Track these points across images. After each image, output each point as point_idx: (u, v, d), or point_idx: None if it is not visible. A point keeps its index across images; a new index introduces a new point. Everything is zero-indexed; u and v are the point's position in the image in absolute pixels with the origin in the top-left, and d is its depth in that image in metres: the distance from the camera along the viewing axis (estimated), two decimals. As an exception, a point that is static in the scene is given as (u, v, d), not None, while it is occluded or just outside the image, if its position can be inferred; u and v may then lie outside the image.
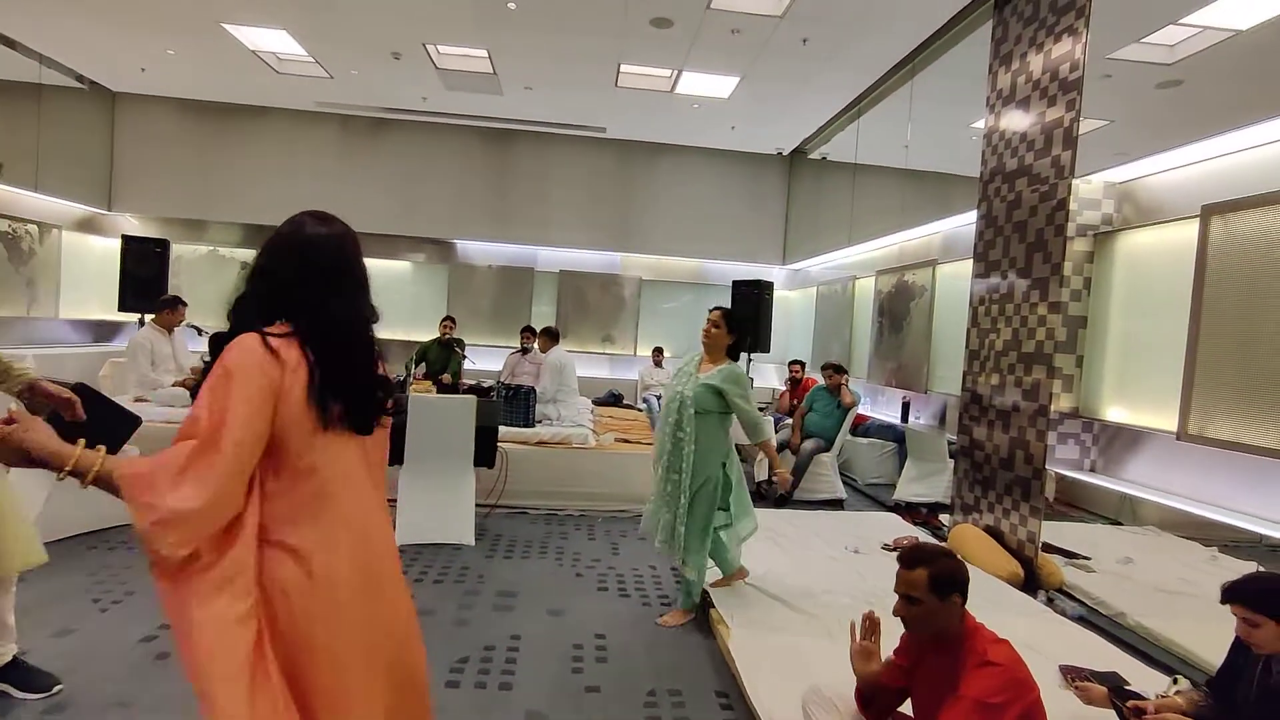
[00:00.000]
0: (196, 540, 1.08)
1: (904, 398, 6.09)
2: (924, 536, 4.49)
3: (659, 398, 8.03)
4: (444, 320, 6.91)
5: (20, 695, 2.22)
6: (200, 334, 5.55)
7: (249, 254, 8.94)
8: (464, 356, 6.84)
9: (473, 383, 5.99)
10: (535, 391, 5.27)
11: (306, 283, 1.26)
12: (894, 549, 4.07)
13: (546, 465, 4.87)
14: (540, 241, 9.19)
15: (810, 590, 3.32)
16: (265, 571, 1.17)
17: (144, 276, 7.07)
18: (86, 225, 8.36)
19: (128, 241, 7.26)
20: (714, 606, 3.09)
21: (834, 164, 8.29)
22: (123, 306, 7.14)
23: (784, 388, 7.07)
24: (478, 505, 4.31)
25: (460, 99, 7.75)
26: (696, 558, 3.06)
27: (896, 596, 1.76)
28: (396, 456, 4.07)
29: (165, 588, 1.12)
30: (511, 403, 5.14)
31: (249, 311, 1.27)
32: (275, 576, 1.17)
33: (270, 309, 1.27)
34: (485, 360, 8.14)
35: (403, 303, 8.84)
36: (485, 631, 2.93)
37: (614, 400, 8.12)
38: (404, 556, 3.74)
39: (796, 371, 6.76)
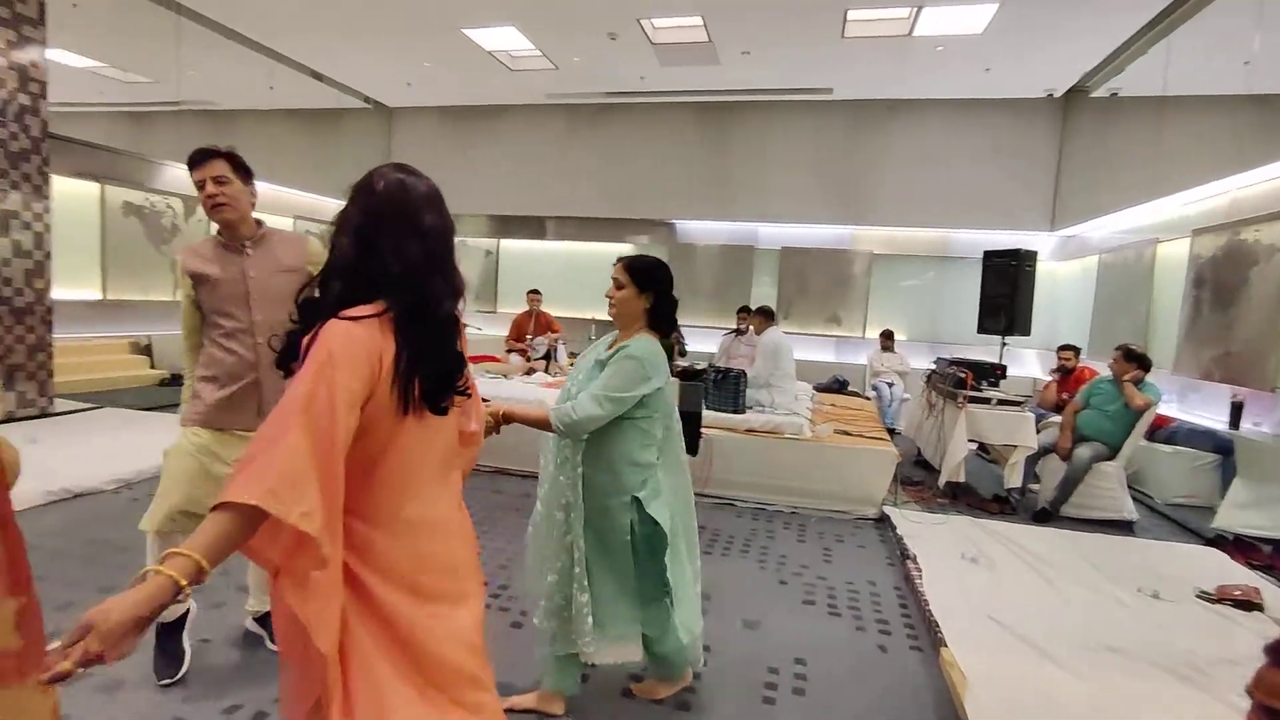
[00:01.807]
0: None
1: (1233, 395, 4.63)
2: (1269, 588, 3.29)
3: (890, 385, 7.18)
4: (658, 301, 6.86)
5: (273, 647, 2.38)
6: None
7: (492, 243, 9.87)
8: (679, 339, 6.74)
9: (686, 364, 5.84)
10: (746, 376, 4.94)
11: (402, 251, 1.12)
12: (1220, 600, 3.02)
13: (755, 455, 4.51)
14: (761, 217, 8.76)
15: (1083, 641, 2.56)
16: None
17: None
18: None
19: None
20: (946, 644, 2.50)
21: (1129, 101, 6.63)
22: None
23: (1050, 378, 5.84)
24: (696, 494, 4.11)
25: (677, 74, 7.61)
26: (619, 626, 1.95)
27: (1247, 699, 1.14)
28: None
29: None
30: (720, 387, 4.87)
31: (338, 288, 1.12)
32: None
33: (364, 285, 1.11)
34: (706, 342, 7.99)
35: (624, 285, 9.04)
36: (673, 635, 2.70)
37: (839, 387, 7.45)
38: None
39: (1067, 359, 5.52)
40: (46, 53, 5.46)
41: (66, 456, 4.27)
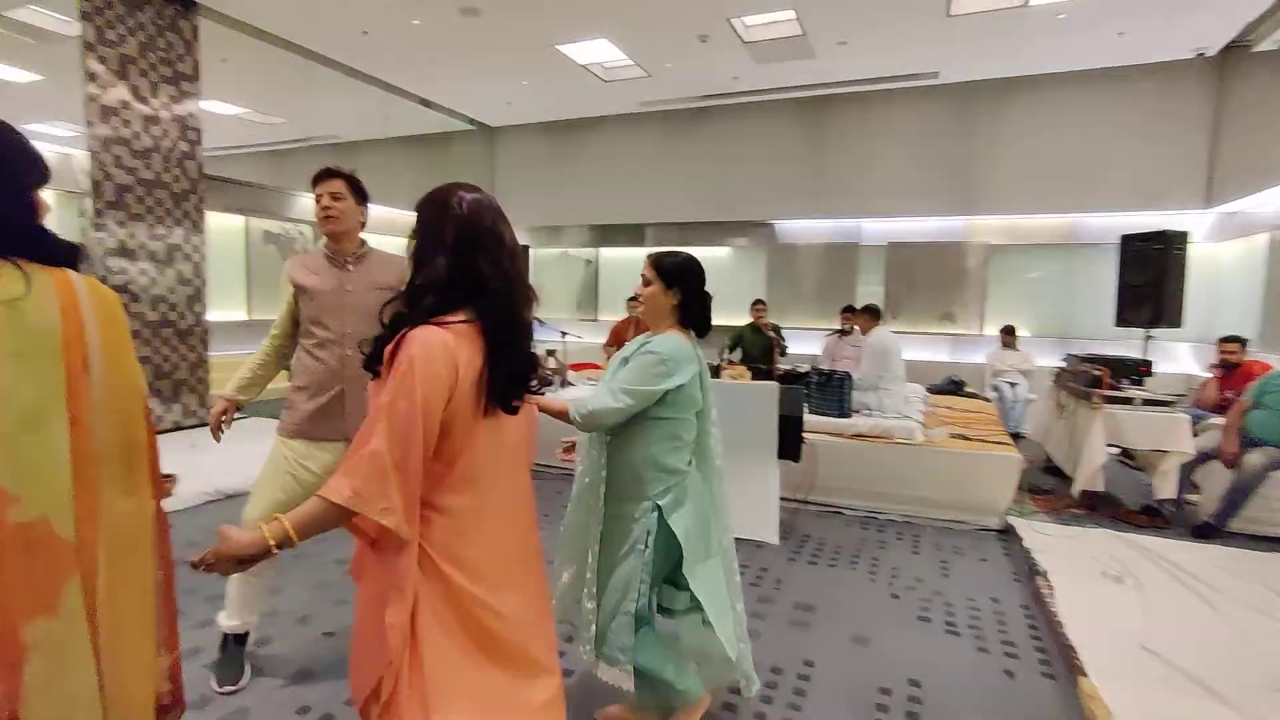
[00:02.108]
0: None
1: None
2: None
3: (1013, 385, 6.64)
4: (755, 304, 6.71)
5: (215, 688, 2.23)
6: (541, 325, 6.30)
7: (591, 252, 10.06)
8: (779, 341, 6.56)
9: (787, 367, 5.67)
10: (850, 378, 4.71)
11: (497, 264, 1.22)
12: None
13: (863, 461, 4.28)
14: (864, 212, 8.37)
15: (1260, 679, 2.21)
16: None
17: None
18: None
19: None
20: (1086, 674, 2.24)
21: (1300, 52, 5.75)
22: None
23: (1210, 375, 5.16)
24: (785, 500, 3.98)
25: (771, 71, 7.43)
26: (615, 647, 1.78)
27: None
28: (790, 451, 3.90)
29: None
30: (824, 390, 4.67)
31: (430, 302, 1.20)
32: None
33: (455, 298, 1.20)
34: (808, 344, 7.72)
35: (722, 288, 8.92)
36: (774, 648, 2.59)
37: (954, 388, 6.96)
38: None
39: (1231, 352, 4.85)
40: (201, 104, 6.13)
41: (219, 461, 4.69)
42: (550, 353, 5.52)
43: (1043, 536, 3.64)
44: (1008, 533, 3.88)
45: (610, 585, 1.82)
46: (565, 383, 5.32)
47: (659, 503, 1.79)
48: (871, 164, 8.26)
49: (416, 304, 1.20)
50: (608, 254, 10.09)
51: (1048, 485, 4.74)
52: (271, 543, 1.09)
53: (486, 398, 1.19)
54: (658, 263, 1.91)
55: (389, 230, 9.21)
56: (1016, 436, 5.45)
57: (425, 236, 1.22)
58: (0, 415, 1.01)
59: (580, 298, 10.12)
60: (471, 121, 9.81)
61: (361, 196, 2.24)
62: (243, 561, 1.10)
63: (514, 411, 1.25)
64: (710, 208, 9.02)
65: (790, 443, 3.95)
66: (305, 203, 8.10)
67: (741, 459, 3.92)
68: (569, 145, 9.87)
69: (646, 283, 1.91)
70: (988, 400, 6.38)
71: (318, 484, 2.19)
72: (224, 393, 2.25)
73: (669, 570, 1.85)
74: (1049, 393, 5.49)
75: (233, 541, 1.10)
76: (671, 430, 1.82)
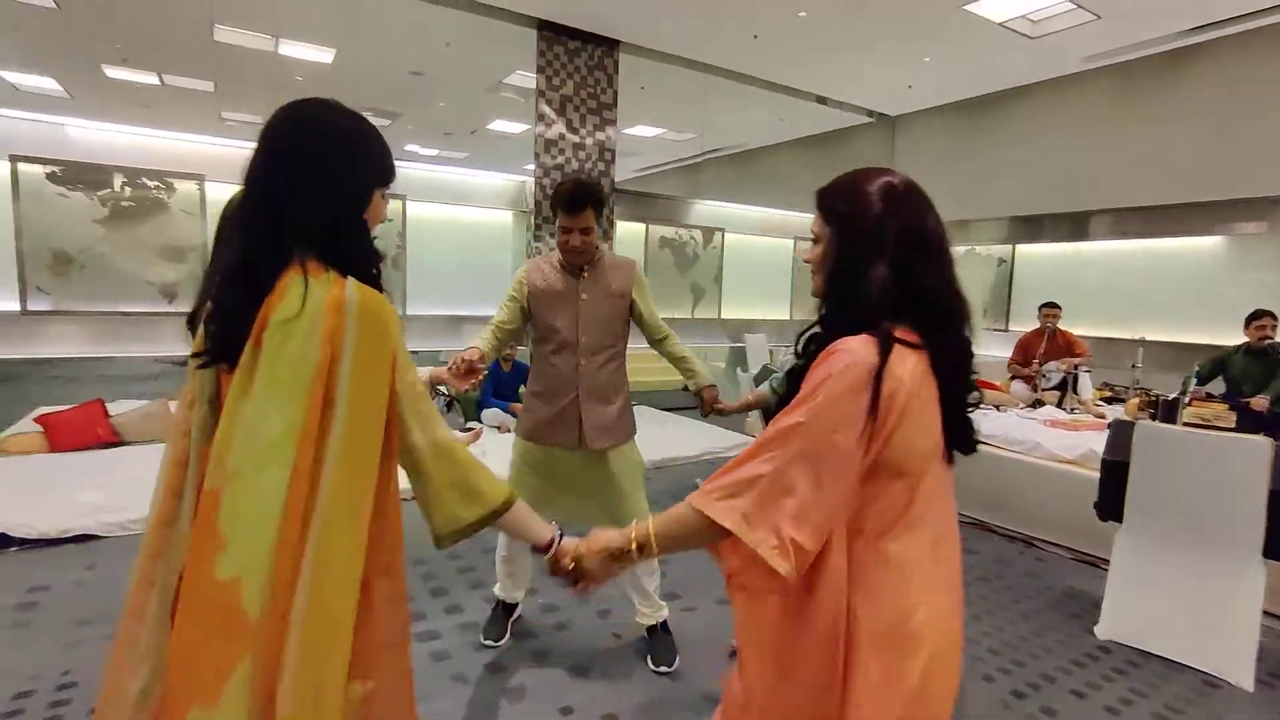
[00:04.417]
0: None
1: None
2: None
3: None
4: (1256, 318, 4.59)
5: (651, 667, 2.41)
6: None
7: (1006, 250, 8.44)
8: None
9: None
10: None
11: (943, 272, 1.05)
12: None
13: None
14: None
15: None
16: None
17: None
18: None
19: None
20: None
21: None
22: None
23: None
24: (1272, 618, 2.57)
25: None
26: None
27: None
28: (1111, 511, 2.84)
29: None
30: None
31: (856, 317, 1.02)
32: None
33: (885, 310, 1.00)
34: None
35: (1208, 292, 6.47)
36: None
37: None
38: (1107, 662, 2.57)
39: None
40: (626, 130, 7.04)
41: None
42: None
43: None
44: None
45: None
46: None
47: None
48: None
49: (837, 324, 1.03)
50: (1025, 251, 8.35)
51: None
52: (633, 547, 1.07)
53: (945, 436, 1.03)
54: None
55: (781, 232, 9.29)
56: None
57: (847, 237, 1.05)
58: (243, 447, 0.89)
59: (988, 303, 8.60)
60: (869, 113, 9.18)
61: (599, 210, 2.16)
62: (609, 564, 1.10)
63: (972, 450, 1.09)
64: (1194, 185, 6.59)
65: (1289, 537, 2.50)
66: (696, 210, 8.68)
67: (1198, 544, 2.66)
68: (981, 126, 8.42)
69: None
70: None
71: (546, 488, 2.25)
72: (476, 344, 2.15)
73: None
74: None
75: (591, 556, 1.11)
76: None
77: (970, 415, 1.08)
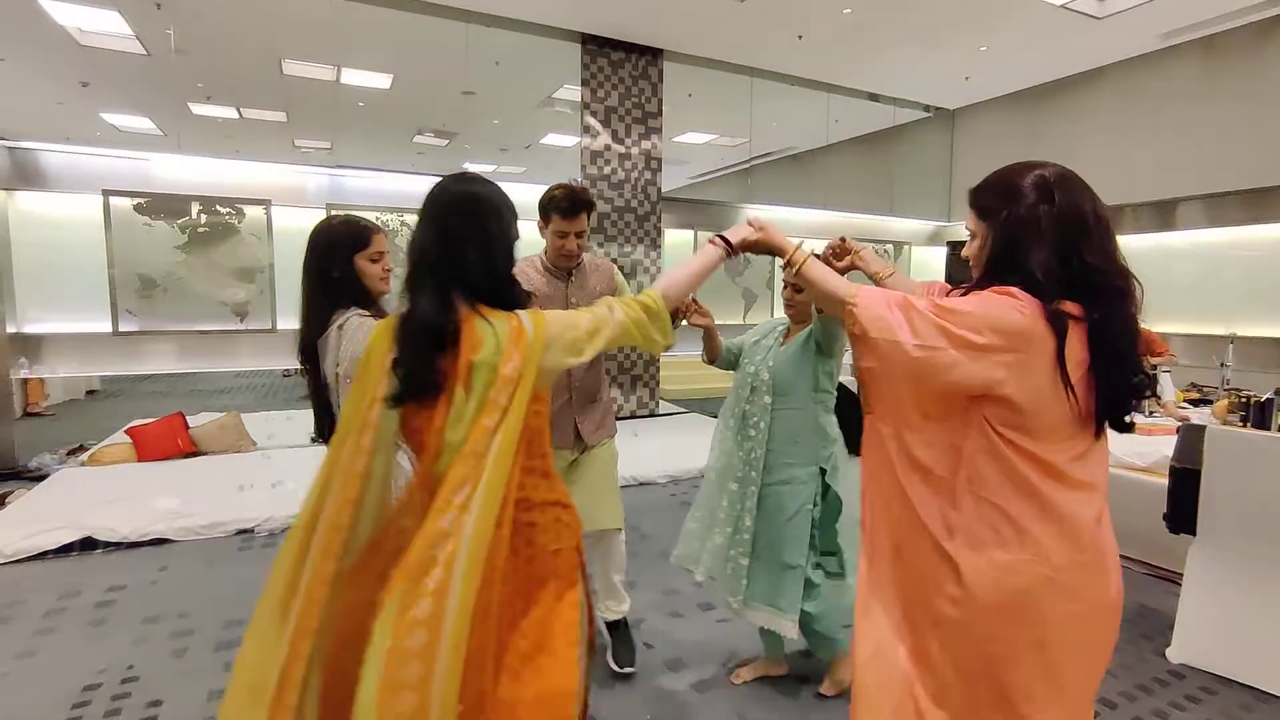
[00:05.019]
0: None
1: None
2: None
3: None
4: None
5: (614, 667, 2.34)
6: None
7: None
8: None
9: None
10: None
11: (1107, 253, 1.12)
12: None
13: None
14: None
15: None
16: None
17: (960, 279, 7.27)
18: (933, 238, 9.27)
19: (953, 247, 7.62)
20: None
21: None
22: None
23: None
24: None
25: None
26: (776, 599, 1.98)
27: None
28: (1182, 523, 2.62)
29: None
30: None
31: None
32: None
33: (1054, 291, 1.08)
34: None
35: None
36: None
37: None
38: (1180, 688, 2.37)
39: None
40: (677, 137, 7.04)
41: (636, 449, 5.27)
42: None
43: None
44: None
45: (775, 543, 2.00)
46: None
47: (823, 466, 2.01)
48: None
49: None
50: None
51: None
52: (800, 256, 1.36)
53: (1096, 409, 1.09)
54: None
55: (821, 233, 9.05)
56: None
57: (1002, 229, 1.12)
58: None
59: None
60: (926, 108, 8.86)
61: (591, 214, 2.22)
62: (769, 249, 1.47)
63: (1128, 429, 1.15)
64: (1285, 166, 6.04)
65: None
66: (749, 216, 8.56)
67: (1278, 564, 2.42)
68: (1046, 116, 7.97)
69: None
70: None
71: None
72: None
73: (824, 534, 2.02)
74: None
75: (775, 231, 1.45)
76: (830, 402, 2.07)
77: (1133, 388, 1.12)
